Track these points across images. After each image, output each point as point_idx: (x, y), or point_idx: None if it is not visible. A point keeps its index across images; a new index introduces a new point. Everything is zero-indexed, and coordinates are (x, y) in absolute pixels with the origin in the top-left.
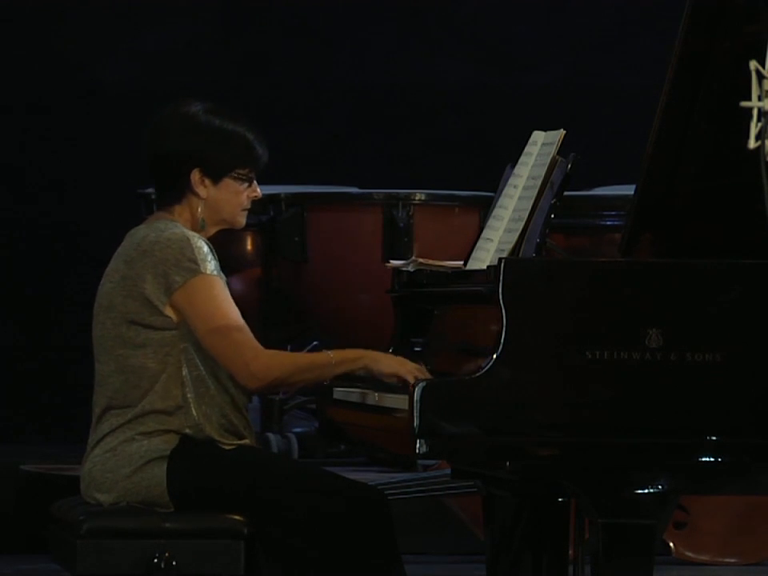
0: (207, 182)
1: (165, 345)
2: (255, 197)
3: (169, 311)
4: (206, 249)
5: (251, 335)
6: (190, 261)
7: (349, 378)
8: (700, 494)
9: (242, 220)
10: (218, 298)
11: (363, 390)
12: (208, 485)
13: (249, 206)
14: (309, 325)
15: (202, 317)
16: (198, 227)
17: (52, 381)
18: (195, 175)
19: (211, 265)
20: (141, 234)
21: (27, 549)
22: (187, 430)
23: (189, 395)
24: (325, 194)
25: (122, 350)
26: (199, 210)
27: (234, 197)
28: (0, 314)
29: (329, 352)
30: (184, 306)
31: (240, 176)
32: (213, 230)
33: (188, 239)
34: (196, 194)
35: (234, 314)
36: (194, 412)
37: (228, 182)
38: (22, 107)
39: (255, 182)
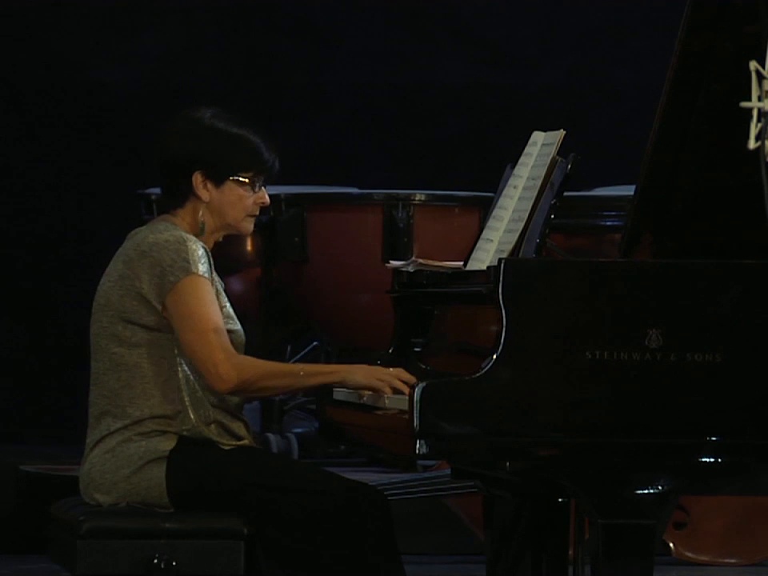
0: (209, 185)
1: (159, 346)
2: (263, 203)
3: (165, 313)
4: (200, 251)
5: (227, 340)
6: (184, 260)
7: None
8: (700, 494)
9: (248, 226)
10: (202, 300)
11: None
12: (207, 485)
13: (256, 213)
14: (309, 325)
15: (183, 315)
16: (198, 231)
17: (52, 381)
18: (197, 178)
19: (203, 267)
20: (141, 235)
21: (27, 549)
22: (185, 432)
23: (185, 399)
24: (325, 194)
25: (117, 348)
26: (200, 213)
27: (238, 201)
28: (0, 314)
29: (300, 364)
30: (171, 305)
31: (244, 180)
32: (218, 235)
33: (184, 240)
34: (199, 198)
35: (214, 316)
36: (192, 415)
37: (231, 186)
38: (22, 108)
39: (264, 188)
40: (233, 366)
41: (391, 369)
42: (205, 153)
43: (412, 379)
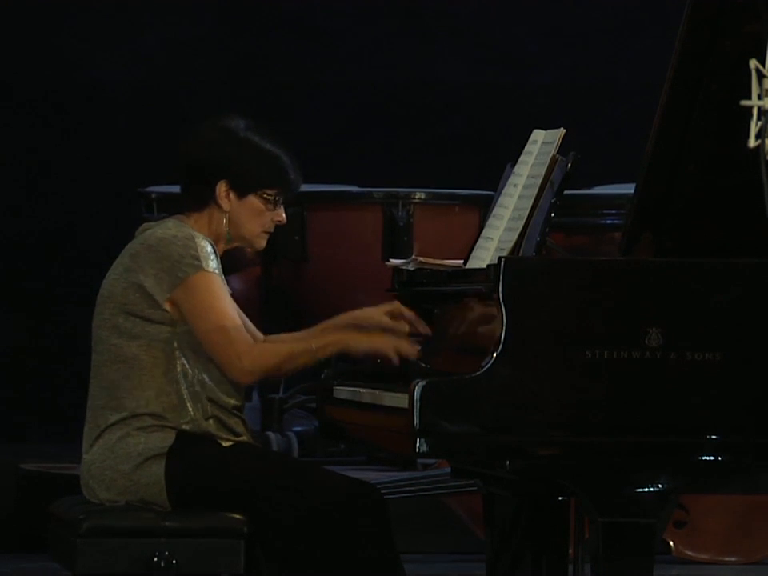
0: (232, 195)
1: (159, 340)
2: (279, 221)
3: (168, 306)
4: (209, 248)
5: (245, 333)
6: (193, 257)
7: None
8: (700, 493)
9: (261, 242)
10: (217, 295)
11: (363, 389)
12: (205, 483)
13: (271, 230)
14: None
15: (199, 312)
16: (220, 239)
17: (52, 380)
18: (222, 186)
19: (213, 263)
20: (149, 231)
21: (27, 548)
22: (184, 426)
23: (183, 392)
24: (325, 193)
25: (117, 339)
26: (224, 222)
27: (257, 216)
28: (0, 312)
29: (311, 340)
30: (183, 300)
31: (266, 196)
32: (230, 246)
33: (192, 237)
34: (219, 206)
35: (230, 311)
36: (190, 408)
37: (253, 200)
38: (22, 106)
39: (282, 206)
40: (256, 357)
41: (386, 306)
42: (234, 163)
43: (416, 322)
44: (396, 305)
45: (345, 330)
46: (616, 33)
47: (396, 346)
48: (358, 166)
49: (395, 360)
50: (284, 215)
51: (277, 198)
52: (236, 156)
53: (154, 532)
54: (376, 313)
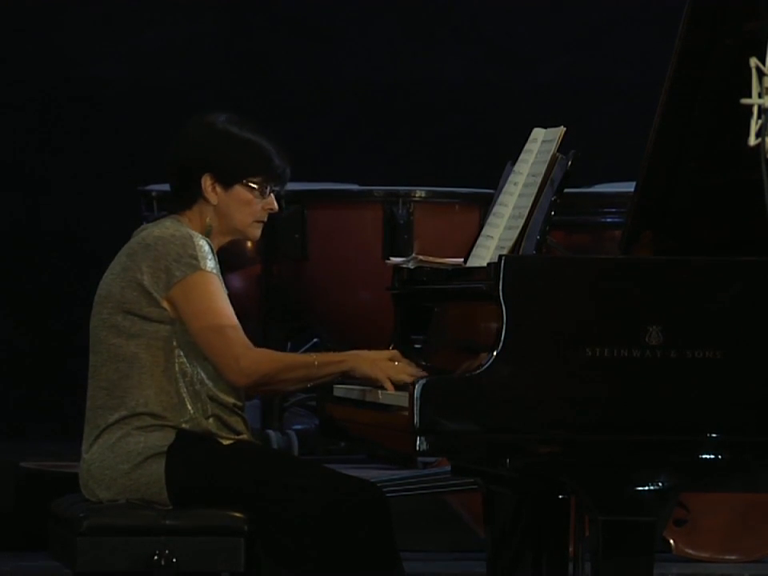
0: (218, 188)
1: (158, 338)
2: (271, 209)
3: (165, 304)
4: (207, 248)
5: (243, 334)
6: (191, 257)
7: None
8: (700, 491)
9: (255, 232)
10: (214, 295)
11: (363, 387)
12: (206, 481)
13: (264, 219)
14: (309, 322)
15: (196, 312)
16: (205, 234)
17: (52, 378)
18: (206, 180)
19: (211, 263)
20: (147, 231)
21: (27, 546)
22: (184, 425)
23: (182, 391)
24: (325, 191)
25: (116, 339)
26: (208, 216)
27: (246, 206)
28: (0, 312)
29: (314, 355)
30: (180, 300)
31: (252, 185)
32: (225, 240)
33: (191, 236)
34: (207, 201)
35: (228, 311)
36: (189, 407)
37: (239, 190)
38: (22, 105)
39: (272, 195)
40: (253, 359)
41: (386, 353)
42: (215, 156)
43: (414, 372)
44: (396, 354)
45: (351, 354)
46: (616, 30)
47: (393, 377)
48: (358, 165)
49: (390, 388)
50: (275, 203)
51: (264, 186)
52: (216, 148)
53: (154, 530)
54: (375, 356)
